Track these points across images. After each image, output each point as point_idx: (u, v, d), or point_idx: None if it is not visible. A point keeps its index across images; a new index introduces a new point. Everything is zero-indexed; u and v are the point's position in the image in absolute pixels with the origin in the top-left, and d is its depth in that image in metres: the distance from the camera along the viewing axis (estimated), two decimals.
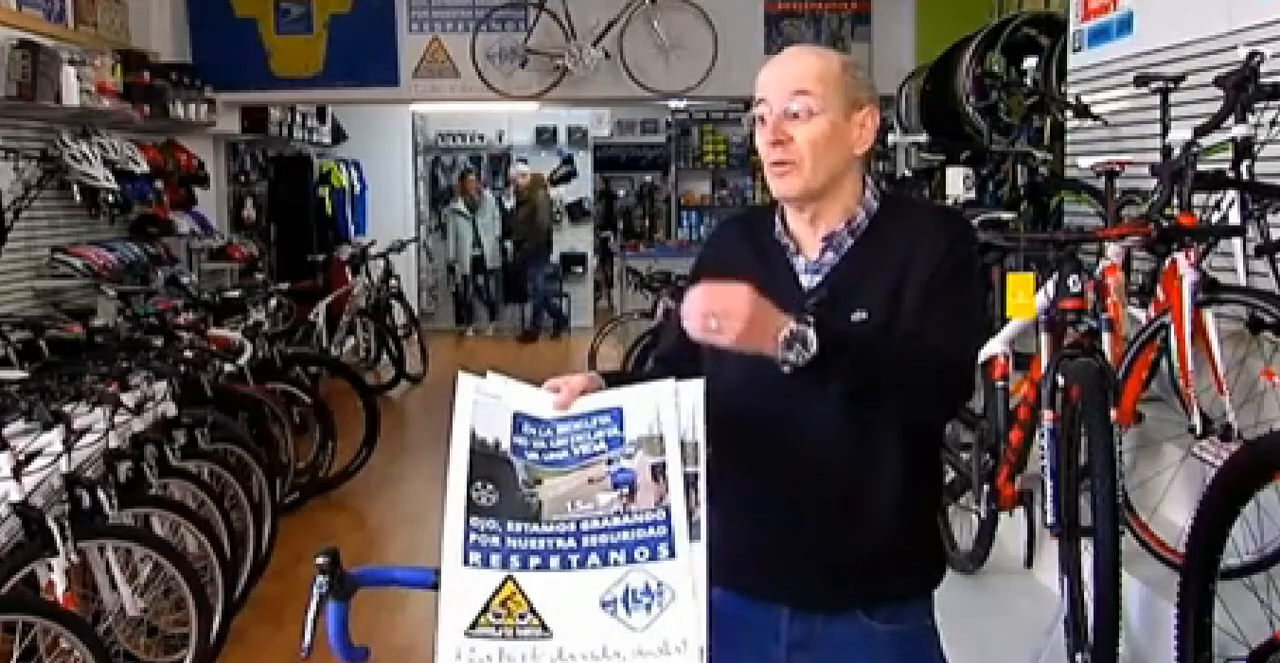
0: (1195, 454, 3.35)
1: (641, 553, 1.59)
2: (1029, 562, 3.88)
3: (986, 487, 3.80)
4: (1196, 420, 3.19)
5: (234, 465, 4.62)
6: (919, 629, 1.89)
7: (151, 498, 3.93)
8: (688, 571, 1.57)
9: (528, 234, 12.57)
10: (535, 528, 1.62)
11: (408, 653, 4.07)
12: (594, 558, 1.60)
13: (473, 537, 1.61)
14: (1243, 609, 2.65)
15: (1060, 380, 3.15)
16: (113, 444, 3.85)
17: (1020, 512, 3.82)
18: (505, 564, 1.60)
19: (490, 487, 1.63)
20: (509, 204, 12.98)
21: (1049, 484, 3.15)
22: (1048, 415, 3.17)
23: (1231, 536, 2.59)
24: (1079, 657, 2.99)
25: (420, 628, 4.15)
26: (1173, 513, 3.40)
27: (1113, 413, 2.93)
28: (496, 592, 1.59)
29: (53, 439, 3.48)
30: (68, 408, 3.59)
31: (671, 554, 1.58)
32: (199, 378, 4.84)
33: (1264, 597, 2.67)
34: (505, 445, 1.66)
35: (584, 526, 1.62)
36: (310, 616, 1.65)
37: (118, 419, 3.83)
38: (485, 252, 12.78)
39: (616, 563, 1.59)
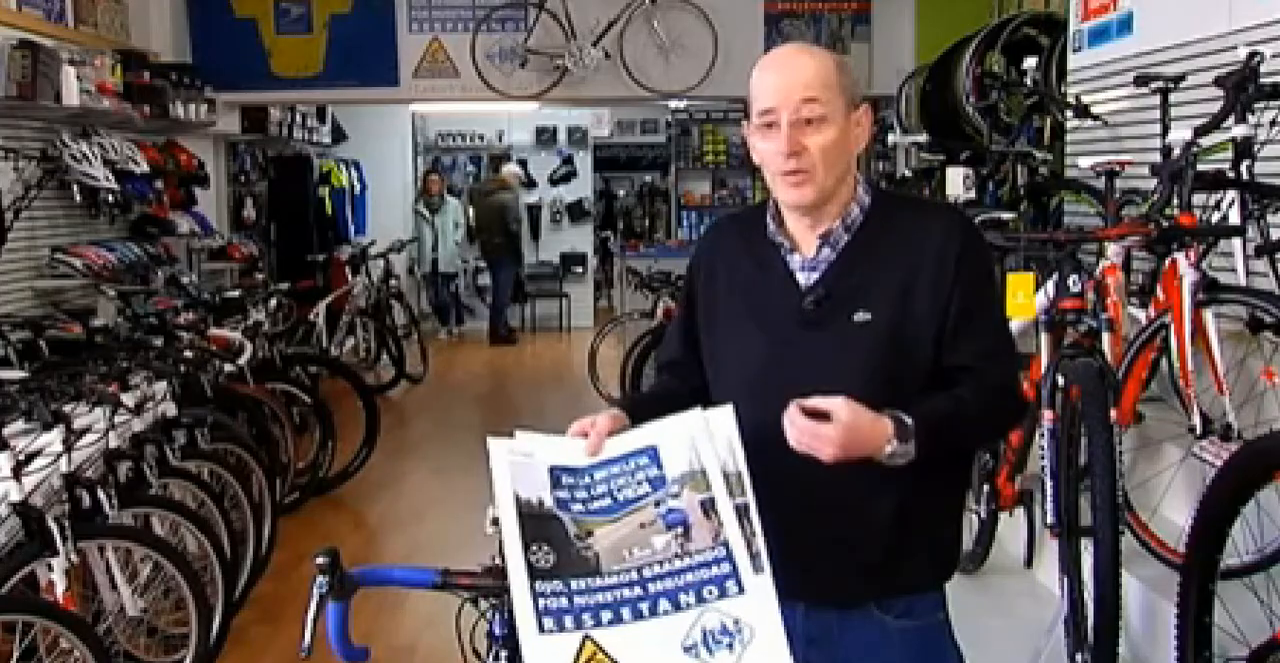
0: (1195, 454, 3.35)
1: (710, 592, 1.59)
2: (1029, 562, 3.89)
3: (986, 487, 3.81)
4: (1196, 420, 3.19)
5: (234, 465, 4.62)
6: (932, 624, 1.91)
7: (151, 498, 3.93)
8: (760, 603, 1.57)
9: (489, 236, 12.03)
10: (598, 581, 1.62)
11: (408, 653, 4.09)
12: (664, 604, 1.60)
13: (541, 602, 1.60)
14: (1243, 609, 2.65)
15: (1060, 380, 3.15)
16: (113, 444, 3.84)
17: (1020, 512, 3.83)
18: (579, 624, 1.60)
19: (545, 547, 1.63)
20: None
21: (1049, 484, 3.15)
22: (1048, 415, 3.18)
23: (1231, 536, 2.59)
24: (1079, 657, 2.99)
25: (420, 628, 4.18)
26: (1173, 513, 3.40)
27: (1113, 413, 2.94)
28: (579, 654, 1.59)
29: (53, 439, 3.48)
30: (68, 408, 3.58)
31: (740, 590, 1.58)
32: (199, 378, 4.83)
33: (1264, 597, 2.67)
34: (549, 502, 1.66)
35: (646, 572, 1.61)
36: (310, 616, 1.66)
37: (118, 419, 3.82)
38: (441, 255, 12.35)
39: (688, 606, 1.59)
